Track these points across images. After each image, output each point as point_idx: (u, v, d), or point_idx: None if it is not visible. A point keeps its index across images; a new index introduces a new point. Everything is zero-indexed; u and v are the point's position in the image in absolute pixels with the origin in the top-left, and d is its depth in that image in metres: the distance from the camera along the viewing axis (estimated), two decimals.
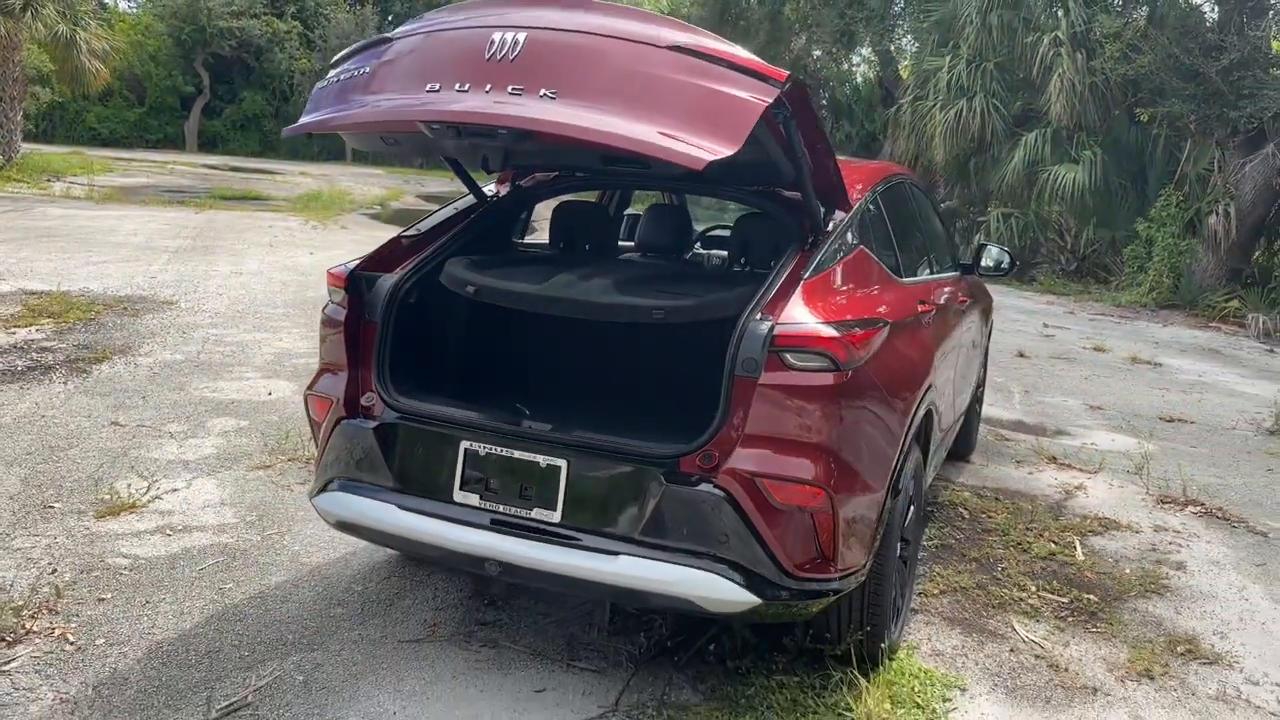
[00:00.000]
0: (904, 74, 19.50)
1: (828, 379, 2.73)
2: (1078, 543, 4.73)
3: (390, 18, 49.46)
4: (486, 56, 2.59)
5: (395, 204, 23.89)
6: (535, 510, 2.85)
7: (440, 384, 3.34)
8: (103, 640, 3.18)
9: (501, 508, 2.89)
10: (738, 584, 2.68)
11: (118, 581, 3.59)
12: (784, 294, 2.83)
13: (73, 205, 17.81)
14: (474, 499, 2.91)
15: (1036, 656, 3.59)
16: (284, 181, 28.05)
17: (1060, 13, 14.10)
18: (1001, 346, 9.86)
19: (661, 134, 2.42)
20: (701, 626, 3.48)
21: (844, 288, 3.07)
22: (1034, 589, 4.17)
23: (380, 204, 23.57)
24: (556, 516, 2.83)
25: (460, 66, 2.64)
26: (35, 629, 3.19)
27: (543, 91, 2.52)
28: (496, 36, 2.60)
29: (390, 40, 2.87)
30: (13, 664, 3.00)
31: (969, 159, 16.60)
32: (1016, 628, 3.81)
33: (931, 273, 4.47)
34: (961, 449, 5.86)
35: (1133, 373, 9.16)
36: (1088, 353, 10.03)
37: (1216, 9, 13.79)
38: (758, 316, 2.77)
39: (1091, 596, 4.15)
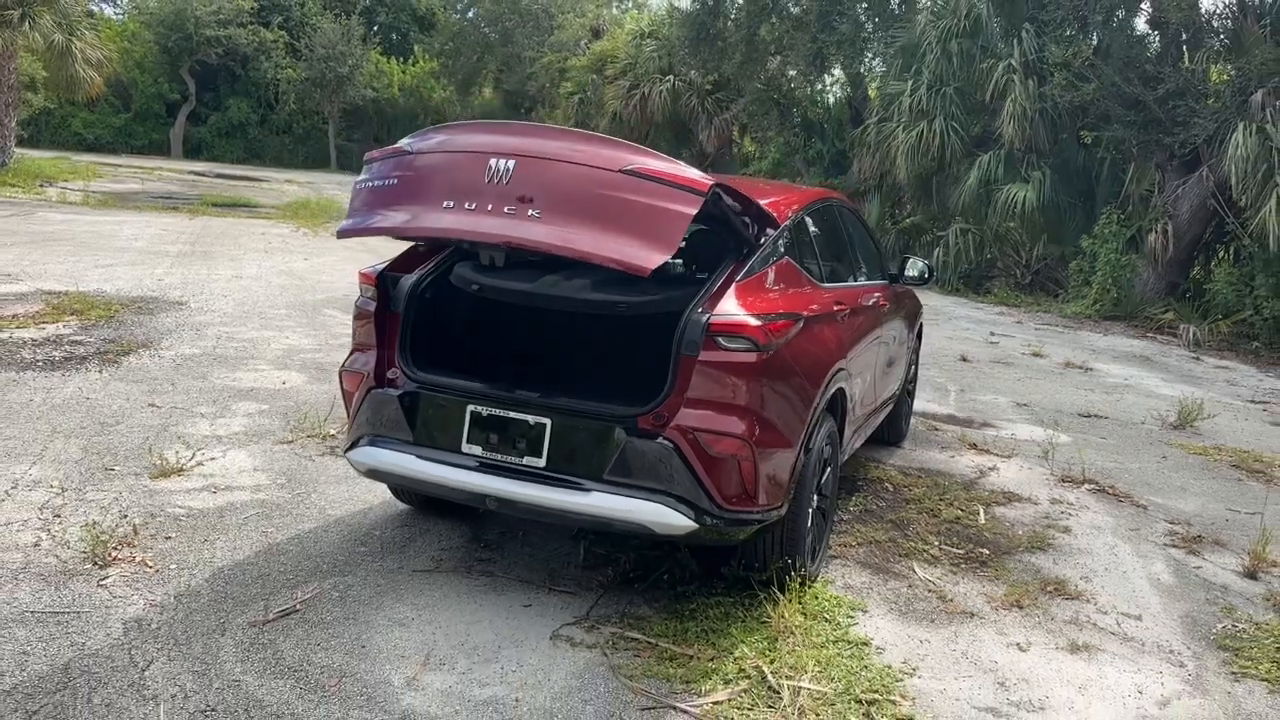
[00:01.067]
0: (872, 95, 20.44)
1: (751, 358, 3.56)
2: (981, 510, 5.58)
3: (375, 28, 50.21)
4: (486, 180, 3.42)
5: None
6: (526, 458, 3.66)
7: (450, 361, 4.14)
8: (175, 566, 3.96)
9: (499, 456, 3.69)
10: (682, 513, 3.50)
11: (179, 525, 4.36)
12: (720, 292, 3.66)
13: (70, 210, 18.45)
14: (477, 450, 3.72)
15: (929, 591, 4.42)
16: (271, 189, 28.73)
17: (1014, 42, 15.05)
18: (946, 351, 10.76)
19: (617, 246, 3.28)
20: (656, 562, 4.30)
21: (769, 288, 3.90)
22: (937, 544, 5.00)
23: None
24: (542, 463, 3.64)
25: (467, 188, 3.45)
26: (120, 557, 3.96)
27: (530, 212, 3.36)
28: (493, 163, 3.42)
29: (408, 153, 3.68)
30: (107, 580, 3.77)
31: (931, 178, 17.55)
32: (917, 570, 4.64)
33: (855, 280, 5.30)
34: (893, 436, 6.72)
35: (1064, 376, 10.05)
36: (1026, 358, 10.93)
37: (1158, 39, 14.78)
38: (699, 310, 3.59)
39: (985, 550, 4.99)
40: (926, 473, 6.24)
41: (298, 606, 3.72)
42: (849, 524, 5.15)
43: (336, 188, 30.43)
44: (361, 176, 3.78)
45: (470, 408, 3.74)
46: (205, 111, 46.73)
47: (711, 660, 3.55)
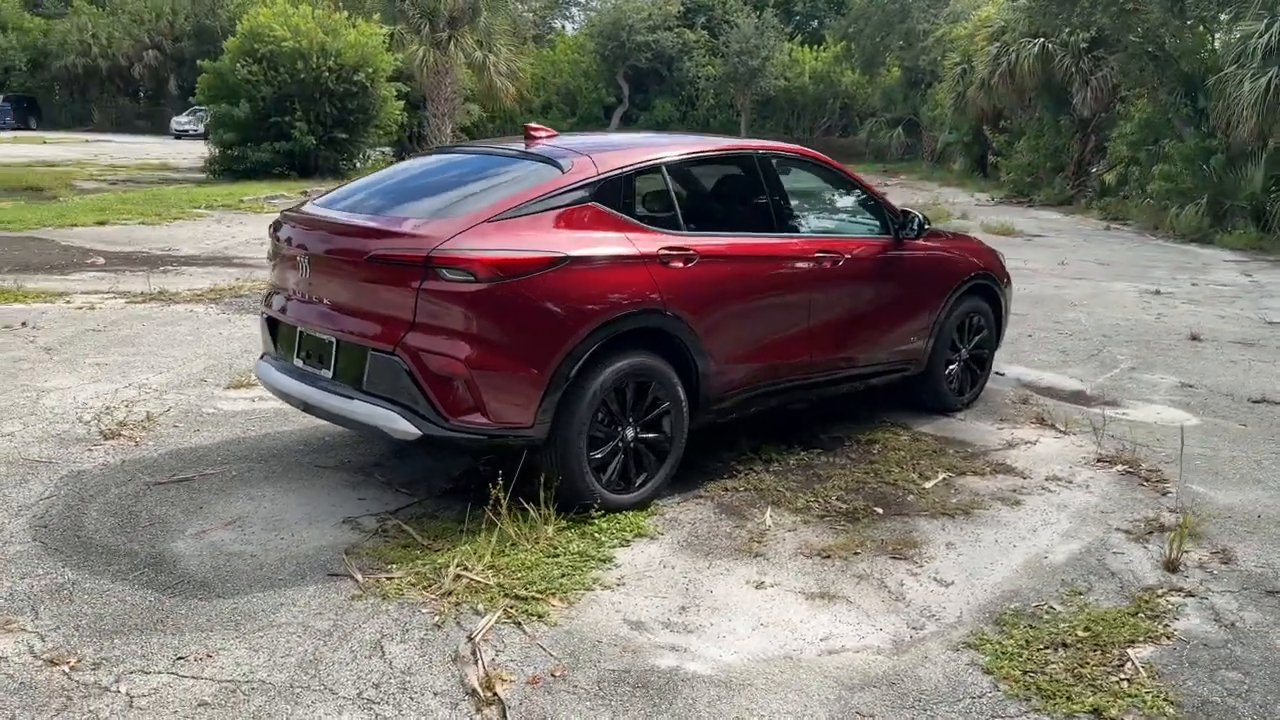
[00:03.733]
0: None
1: (470, 287, 3.99)
2: (940, 476, 5.23)
3: (793, 18, 51.63)
4: (298, 275, 4.48)
5: None
6: (322, 370, 4.43)
7: None
8: (152, 443, 5.27)
9: (309, 368, 4.50)
10: (409, 419, 4.05)
11: (194, 420, 5.70)
12: (458, 231, 4.10)
13: None
14: (300, 363, 4.56)
15: (748, 532, 4.43)
16: None
17: None
18: (1187, 329, 9.38)
19: (375, 330, 4.15)
20: (494, 477, 4.81)
21: (536, 229, 4.21)
22: (833, 498, 4.86)
23: None
24: (330, 375, 4.38)
25: (295, 282, 4.59)
26: (124, 434, 5.34)
27: (325, 302, 4.42)
28: (298, 258, 4.49)
29: (278, 226, 4.80)
30: (99, 448, 5.16)
31: None
32: (767, 515, 4.63)
33: (777, 232, 5.22)
34: (935, 403, 6.34)
35: None
36: None
37: None
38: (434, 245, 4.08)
39: (879, 509, 4.77)
40: (941, 440, 5.88)
41: (194, 478, 4.82)
42: (759, 472, 5.17)
43: None
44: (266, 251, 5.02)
45: (300, 329, 4.58)
46: (636, 112, 51.41)
47: (435, 554, 4.05)
